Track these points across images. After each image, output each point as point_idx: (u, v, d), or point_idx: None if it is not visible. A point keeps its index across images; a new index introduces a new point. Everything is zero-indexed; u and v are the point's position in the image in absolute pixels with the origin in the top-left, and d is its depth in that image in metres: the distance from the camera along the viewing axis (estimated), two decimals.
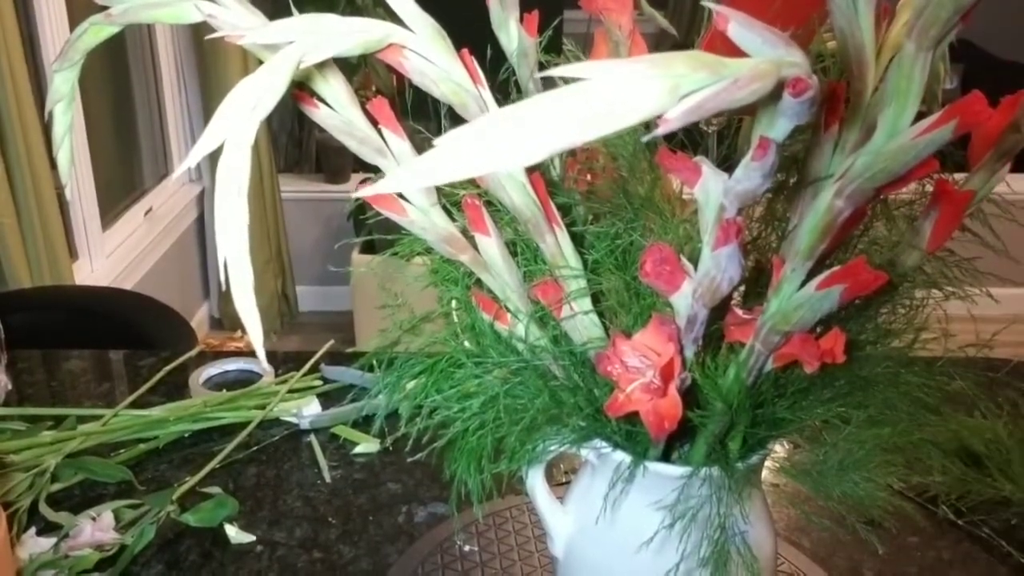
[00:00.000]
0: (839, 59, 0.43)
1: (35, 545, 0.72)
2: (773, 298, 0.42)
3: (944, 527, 0.79)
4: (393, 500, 0.82)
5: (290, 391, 0.96)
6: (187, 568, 0.73)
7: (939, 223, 0.46)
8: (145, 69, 2.64)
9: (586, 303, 0.48)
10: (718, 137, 0.53)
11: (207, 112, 2.75)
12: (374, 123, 0.44)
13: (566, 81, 0.26)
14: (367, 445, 0.90)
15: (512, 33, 0.50)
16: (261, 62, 0.36)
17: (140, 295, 1.75)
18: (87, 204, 2.18)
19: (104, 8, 0.40)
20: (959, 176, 0.46)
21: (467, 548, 0.76)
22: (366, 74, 2.55)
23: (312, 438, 0.91)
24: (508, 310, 0.49)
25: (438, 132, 0.26)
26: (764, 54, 0.32)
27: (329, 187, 3.06)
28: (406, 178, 0.25)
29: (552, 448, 0.52)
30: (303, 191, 3.06)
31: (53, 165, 0.44)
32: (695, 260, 0.41)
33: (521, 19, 0.50)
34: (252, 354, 1.05)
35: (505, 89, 0.49)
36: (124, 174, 2.57)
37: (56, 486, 0.81)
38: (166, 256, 2.60)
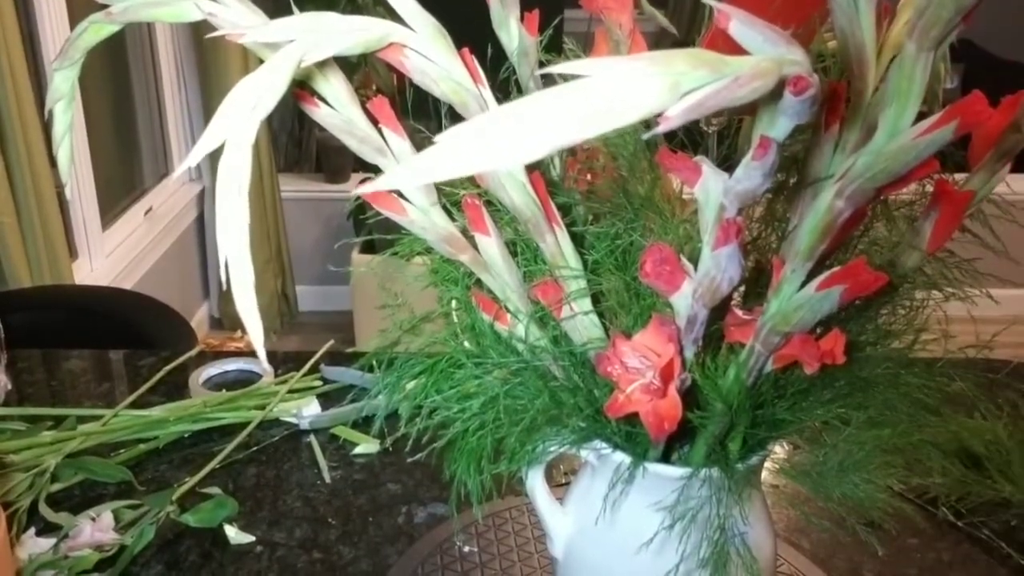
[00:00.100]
0: (840, 59, 0.43)
1: (35, 545, 0.72)
2: (773, 299, 0.42)
3: (944, 529, 0.79)
4: (393, 501, 0.82)
5: (290, 391, 0.96)
6: (187, 568, 0.73)
7: (939, 224, 0.46)
8: (145, 68, 2.64)
9: (586, 303, 0.48)
10: (718, 137, 0.53)
11: (207, 112, 2.75)
12: (374, 122, 0.44)
13: (566, 79, 0.26)
14: (367, 445, 0.90)
15: (512, 32, 0.50)
16: (261, 61, 0.36)
17: (140, 295, 1.75)
18: (87, 203, 2.18)
19: (104, 6, 0.40)
20: (959, 176, 0.46)
21: (467, 549, 0.76)
22: (366, 73, 2.55)
23: (312, 438, 0.91)
24: (508, 310, 0.49)
25: (438, 131, 0.26)
26: (765, 52, 0.32)
27: (329, 187, 3.06)
28: (406, 175, 0.25)
29: (552, 449, 0.52)
30: (303, 191, 3.06)
31: (53, 164, 0.44)
32: (695, 260, 0.41)
33: (521, 18, 0.50)
34: (252, 354, 1.05)
35: (505, 88, 0.49)
36: (124, 173, 2.57)
37: (56, 486, 0.81)
38: (166, 256, 2.60)
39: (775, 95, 0.32)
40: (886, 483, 0.50)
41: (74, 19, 2.05)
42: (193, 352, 1.05)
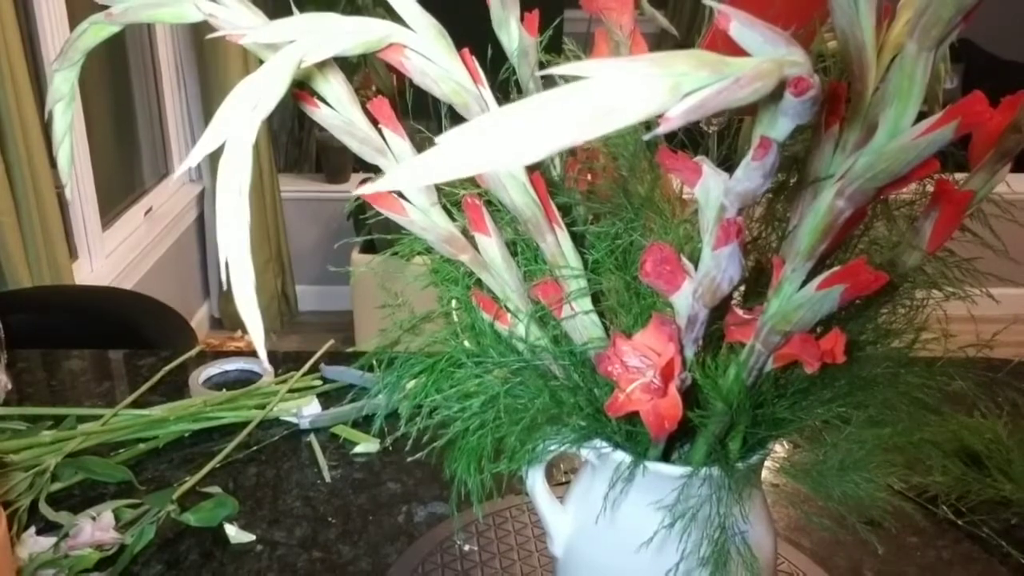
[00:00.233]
0: (840, 59, 0.43)
1: (35, 545, 0.72)
2: (773, 298, 0.42)
3: (944, 527, 0.79)
4: (393, 500, 0.82)
5: (290, 391, 0.96)
6: (187, 568, 0.73)
7: (939, 223, 0.46)
8: (145, 69, 2.64)
9: (586, 303, 0.48)
10: (718, 137, 0.53)
11: (207, 112, 2.75)
12: (374, 123, 0.44)
13: (567, 80, 0.26)
14: (367, 445, 0.90)
15: (513, 33, 0.50)
16: (262, 62, 0.36)
17: (140, 295, 1.75)
18: (87, 204, 2.18)
19: (104, 7, 0.40)
20: (959, 176, 0.46)
21: (467, 548, 0.76)
22: (366, 74, 2.55)
23: (312, 438, 0.91)
24: (508, 310, 0.49)
25: (439, 132, 0.26)
26: (766, 53, 0.32)
27: (329, 187, 3.06)
28: (406, 175, 0.25)
29: (552, 448, 0.52)
30: (303, 191, 3.05)
31: (53, 164, 0.44)
32: (695, 260, 0.41)
33: (521, 18, 0.50)
34: (252, 354, 1.05)
35: (505, 89, 0.49)
36: (124, 174, 2.57)
37: (56, 486, 0.81)
38: (166, 256, 2.59)
39: (776, 96, 0.32)
40: (886, 482, 0.50)
41: (74, 20, 2.05)
42: (193, 352, 1.05)
